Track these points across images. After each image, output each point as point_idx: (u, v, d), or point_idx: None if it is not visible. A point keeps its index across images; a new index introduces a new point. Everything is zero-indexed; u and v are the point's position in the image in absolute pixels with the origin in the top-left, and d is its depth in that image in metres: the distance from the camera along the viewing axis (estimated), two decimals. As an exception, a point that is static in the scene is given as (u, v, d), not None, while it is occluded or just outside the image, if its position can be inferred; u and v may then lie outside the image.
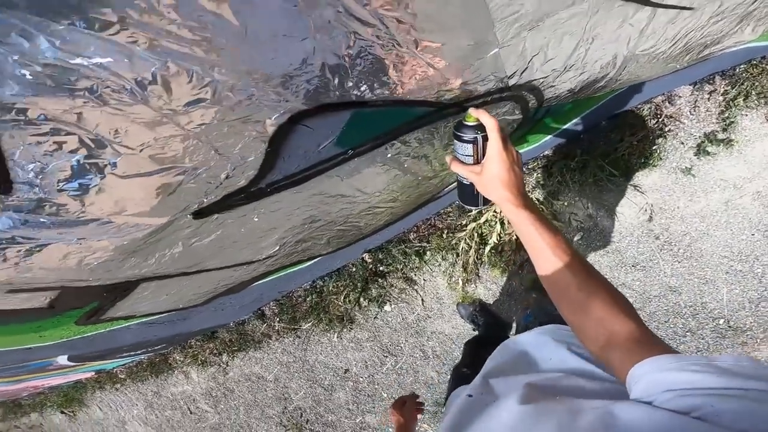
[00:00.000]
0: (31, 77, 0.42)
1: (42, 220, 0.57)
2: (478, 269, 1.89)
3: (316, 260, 1.80)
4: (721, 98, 1.35)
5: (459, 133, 0.70)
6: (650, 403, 0.39)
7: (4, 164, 0.46)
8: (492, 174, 0.67)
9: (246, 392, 2.80)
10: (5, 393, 3.44)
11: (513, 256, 1.87)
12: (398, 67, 0.67)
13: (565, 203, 1.70)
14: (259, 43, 0.52)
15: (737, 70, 1.33)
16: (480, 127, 0.68)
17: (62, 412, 3.99)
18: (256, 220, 0.96)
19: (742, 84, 1.31)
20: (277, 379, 2.66)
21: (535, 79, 0.91)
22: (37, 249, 0.62)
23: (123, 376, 3.39)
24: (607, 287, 0.56)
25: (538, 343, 0.80)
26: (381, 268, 2.12)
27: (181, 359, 2.97)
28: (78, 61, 0.43)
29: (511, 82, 0.88)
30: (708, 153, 1.43)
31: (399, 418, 1.08)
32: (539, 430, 0.44)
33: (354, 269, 2.16)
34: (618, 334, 0.50)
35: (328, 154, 0.86)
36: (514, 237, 1.81)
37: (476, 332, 2.00)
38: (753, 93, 1.31)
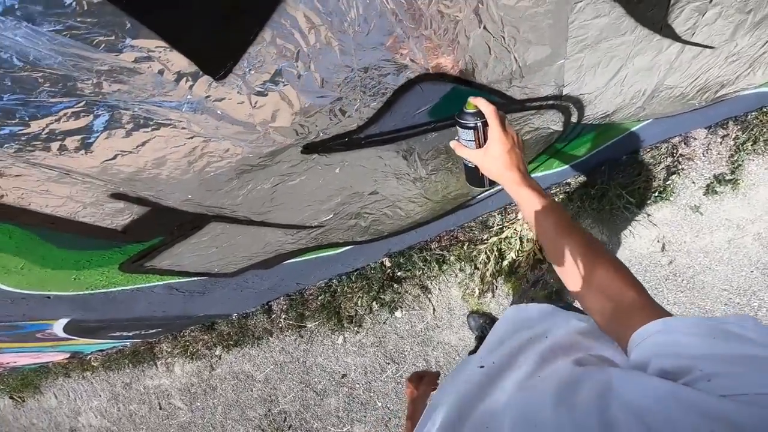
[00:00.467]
0: None
1: (209, 105, 0.67)
2: (495, 282, 1.98)
3: (344, 249, 1.88)
4: (732, 142, 1.56)
5: (461, 120, 0.75)
6: (644, 368, 0.39)
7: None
8: (493, 156, 0.72)
9: (229, 391, 2.71)
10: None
11: (527, 272, 1.98)
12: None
13: (582, 225, 1.85)
14: None
15: (749, 116, 1.55)
16: (480, 114, 0.73)
17: (11, 397, 3.71)
18: (338, 172, 1.07)
19: (752, 129, 1.52)
20: (267, 379, 2.60)
21: (582, 93, 1.09)
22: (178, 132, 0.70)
23: (96, 364, 3.23)
24: (610, 259, 0.57)
25: (546, 312, 0.84)
26: (399, 274, 2.19)
27: (169, 350, 2.88)
28: None
29: (565, 91, 1.05)
30: (716, 193, 1.61)
31: (413, 391, 1.06)
32: (541, 402, 0.44)
33: (372, 272, 2.23)
34: (621, 302, 0.51)
35: (418, 121, 0.99)
36: (532, 254, 1.93)
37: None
38: (761, 139, 1.52)
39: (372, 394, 2.28)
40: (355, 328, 2.30)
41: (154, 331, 2.61)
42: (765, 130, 1.53)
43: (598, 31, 0.79)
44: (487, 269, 1.96)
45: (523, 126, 1.16)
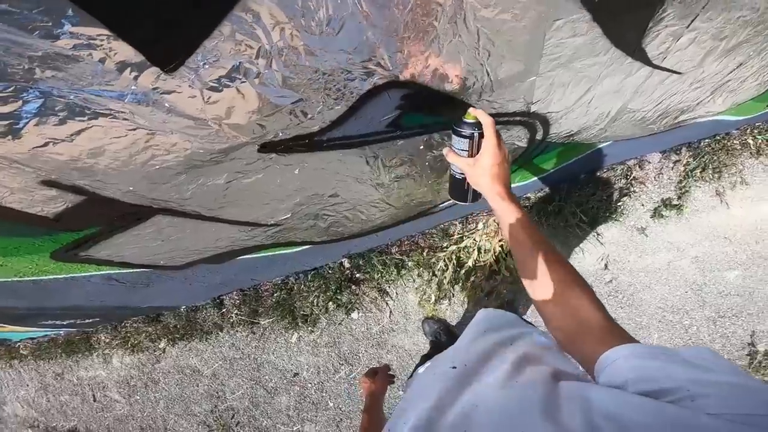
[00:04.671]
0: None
1: (156, 98, 0.61)
2: (452, 290, 2.01)
3: (302, 249, 1.83)
4: (682, 168, 1.67)
5: (457, 129, 0.76)
6: (622, 388, 0.40)
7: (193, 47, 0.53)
8: (484, 166, 0.73)
9: (173, 385, 2.59)
10: None
11: (483, 283, 2.02)
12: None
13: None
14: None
15: (702, 143, 1.66)
16: (477, 125, 0.74)
17: (-75, 388, 3.35)
18: (297, 172, 1.03)
19: (703, 157, 1.63)
20: (215, 374, 2.51)
21: (549, 112, 1.11)
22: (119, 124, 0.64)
23: (26, 353, 2.98)
24: (579, 281, 0.59)
25: (511, 320, 0.89)
26: (357, 275, 2.17)
27: (108, 341, 2.71)
28: None
29: (533, 108, 1.07)
30: (662, 216, 1.72)
31: (371, 385, 1.12)
32: (525, 410, 0.44)
33: (330, 272, 2.19)
34: (588, 323, 0.53)
35: (383, 128, 0.97)
36: (488, 264, 1.98)
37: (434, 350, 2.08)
38: (710, 167, 1.63)
39: (324, 394, 2.25)
40: (310, 328, 2.25)
41: (90, 320, 2.43)
42: (715, 158, 1.65)
43: (573, 50, 0.80)
44: (445, 276, 1.98)
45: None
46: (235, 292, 2.39)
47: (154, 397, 2.66)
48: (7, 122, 0.57)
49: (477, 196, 0.82)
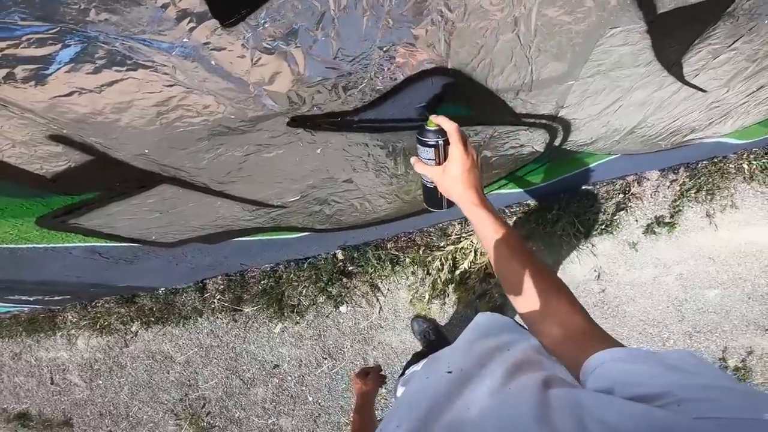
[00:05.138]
0: None
1: (204, 54, 0.57)
2: (446, 289, 2.00)
3: (300, 235, 1.78)
4: (678, 188, 1.73)
5: (421, 138, 0.74)
6: (610, 392, 0.40)
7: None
8: (452, 174, 0.71)
9: (141, 371, 2.47)
10: None
11: (476, 285, 2.03)
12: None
13: (533, 247, 1.94)
14: None
15: (699, 165, 1.72)
16: (441, 132, 0.73)
17: None
18: (318, 152, 0.99)
19: (699, 178, 1.70)
20: (188, 362, 2.41)
21: (575, 118, 1.12)
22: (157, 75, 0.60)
23: (-18, 329, 2.78)
24: (559, 285, 0.59)
25: (509, 325, 0.89)
26: (350, 268, 2.14)
27: (75, 320, 2.55)
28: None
29: (561, 113, 1.08)
30: (654, 233, 1.78)
31: (362, 386, 1.11)
32: (518, 416, 0.45)
33: (322, 263, 2.15)
34: (572, 328, 0.53)
35: (417, 115, 0.95)
36: (483, 267, 1.99)
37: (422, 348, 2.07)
38: (704, 189, 1.70)
39: (304, 388, 2.20)
40: (296, 319, 2.20)
41: (60, 298, 2.28)
42: (710, 180, 1.72)
43: (618, 58, 0.81)
44: (440, 276, 1.98)
45: (509, 140, 1.17)
46: (220, 277, 2.30)
47: (118, 382, 2.53)
48: (35, 67, 0.51)
49: (452, 202, 0.79)
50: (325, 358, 2.19)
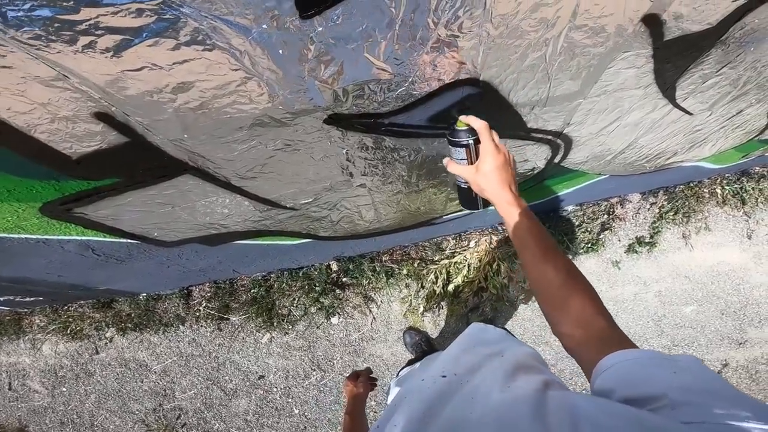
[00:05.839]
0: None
1: (275, 41, 0.61)
2: (439, 303, 2.04)
3: (299, 242, 1.78)
4: (657, 210, 1.87)
5: (452, 138, 0.76)
6: (609, 395, 0.42)
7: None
8: (485, 172, 0.72)
9: (111, 379, 2.34)
10: None
11: (469, 298, 2.08)
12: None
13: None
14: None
15: (677, 188, 1.87)
16: (471, 131, 0.74)
17: None
18: (344, 152, 1.03)
19: (677, 201, 1.85)
20: (165, 371, 2.30)
21: (577, 136, 1.22)
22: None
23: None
24: (586, 287, 0.61)
25: (502, 335, 0.92)
26: (344, 279, 2.14)
27: (43, 324, 2.40)
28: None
29: (566, 130, 1.17)
30: (635, 252, 1.90)
31: (353, 388, 1.13)
32: (517, 415, 0.46)
33: (316, 273, 2.14)
34: (591, 330, 0.55)
35: (438, 123, 1.01)
36: (476, 282, 2.04)
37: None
38: (681, 211, 1.85)
39: (290, 400, 2.14)
40: (286, 328, 2.16)
41: (32, 299, 2.15)
42: (686, 203, 1.88)
43: (623, 80, 0.90)
44: (434, 289, 2.02)
45: (515, 155, 1.25)
46: (207, 284, 2.24)
47: (84, 390, 2.37)
48: (122, 38, 0.53)
49: (488, 202, 0.80)
50: (314, 370, 2.14)
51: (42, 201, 1.08)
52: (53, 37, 0.49)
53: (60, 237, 1.36)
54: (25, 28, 0.47)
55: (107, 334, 2.34)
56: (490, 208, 0.80)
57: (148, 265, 1.77)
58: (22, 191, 1.02)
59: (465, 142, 0.75)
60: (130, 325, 2.31)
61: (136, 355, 2.35)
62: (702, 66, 0.90)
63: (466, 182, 0.80)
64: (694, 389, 0.38)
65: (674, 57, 0.84)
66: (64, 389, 2.38)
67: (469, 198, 0.84)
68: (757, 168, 1.89)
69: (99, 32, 0.51)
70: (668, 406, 0.36)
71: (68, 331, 2.36)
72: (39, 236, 1.33)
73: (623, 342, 0.51)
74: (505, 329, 1.25)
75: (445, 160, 0.82)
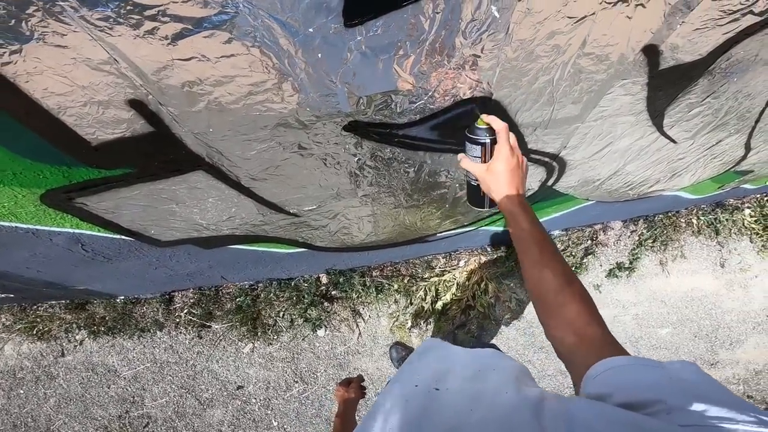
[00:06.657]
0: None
1: (314, 46, 0.66)
2: (427, 319, 2.06)
3: (294, 251, 1.78)
4: (637, 237, 1.98)
5: (470, 135, 0.77)
6: (604, 399, 0.42)
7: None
8: (496, 171, 0.73)
9: (75, 383, 2.22)
10: None
11: (457, 315, 2.11)
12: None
13: (511, 284, 2.08)
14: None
15: (656, 217, 2.00)
16: (490, 131, 0.75)
17: None
18: (356, 159, 1.07)
19: (655, 229, 1.96)
20: (136, 377, 2.20)
21: (571, 159, 1.30)
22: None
23: None
24: (582, 294, 0.61)
25: (495, 353, 0.90)
26: (333, 292, 2.13)
27: (8, 324, 2.27)
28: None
29: (562, 153, 1.25)
30: (615, 277, 2.00)
31: (344, 393, 1.14)
32: (519, 420, 0.47)
33: (306, 285, 2.13)
34: (584, 337, 0.56)
35: (446, 140, 1.07)
36: (464, 300, 2.08)
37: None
38: (659, 239, 1.96)
39: (269, 412, 2.07)
40: (271, 338, 2.12)
41: (3, 296, 2.04)
42: (664, 232, 2.00)
43: (619, 105, 0.98)
44: (423, 305, 2.04)
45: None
46: (191, 291, 2.19)
47: (44, 393, 2.23)
48: (183, 27, 0.56)
49: (494, 203, 0.81)
50: (296, 382, 2.10)
51: (46, 187, 1.06)
52: (121, 20, 0.52)
53: (52, 228, 1.33)
54: (98, 8, 0.50)
55: (77, 337, 2.23)
56: (495, 209, 0.83)
57: (134, 266, 1.73)
58: (29, 176, 1.01)
59: (482, 141, 0.76)
60: (103, 329, 2.21)
61: (105, 359, 2.24)
62: (689, 95, 0.99)
63: (477, 180, 0.82)
64: (691, 393, 0.38)
65: (666, 85, 0.93)
66: (21, 391, 2.23)
67: (477, 196, 0.85)
68: (731, 200, 2.05)
69: (165, 19, 0.54)
70: (665, 410, 0.37)
71: (34, 332, 2.23)
72: (30, 226, 1.29)
73: (617, 348, 0.52)
74: (494, 345, 1.28)
75: (459, 156, 0.83)
